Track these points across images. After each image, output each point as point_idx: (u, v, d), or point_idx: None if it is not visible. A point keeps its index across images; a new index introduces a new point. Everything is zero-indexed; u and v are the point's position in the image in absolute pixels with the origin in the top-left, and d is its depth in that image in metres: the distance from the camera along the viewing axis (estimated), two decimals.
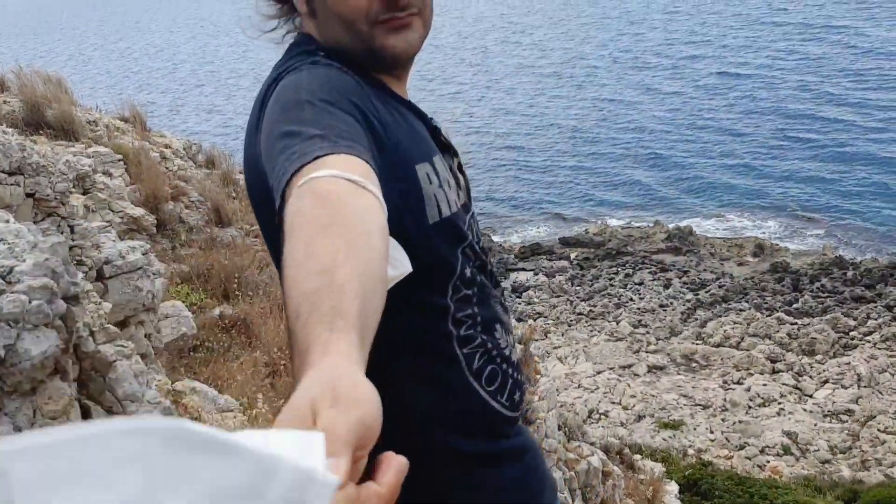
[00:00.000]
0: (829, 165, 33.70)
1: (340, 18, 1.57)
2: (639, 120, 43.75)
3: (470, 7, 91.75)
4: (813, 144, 36.02)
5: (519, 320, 26.65)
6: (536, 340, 24.25)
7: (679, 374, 21.59)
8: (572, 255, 30.61)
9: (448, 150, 1.76)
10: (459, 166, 1.80)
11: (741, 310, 24.46)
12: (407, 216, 1.49)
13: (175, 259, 7.28)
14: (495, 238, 33.32)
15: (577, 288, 28.07)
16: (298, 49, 1.65)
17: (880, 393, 19.00)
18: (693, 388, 20.38)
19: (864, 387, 19.10)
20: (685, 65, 52.61)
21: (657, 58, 55.19)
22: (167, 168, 9.91)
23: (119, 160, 8.21)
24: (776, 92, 43.50)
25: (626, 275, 28.23)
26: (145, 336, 4.34)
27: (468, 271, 1.63)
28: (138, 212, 7.34)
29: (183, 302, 5.66)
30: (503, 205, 36.55)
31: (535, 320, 26.24)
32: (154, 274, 4.57)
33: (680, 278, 27.29)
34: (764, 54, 51.76)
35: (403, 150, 1.53)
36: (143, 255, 4.48)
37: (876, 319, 22.84)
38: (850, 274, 25.42)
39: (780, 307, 24.41)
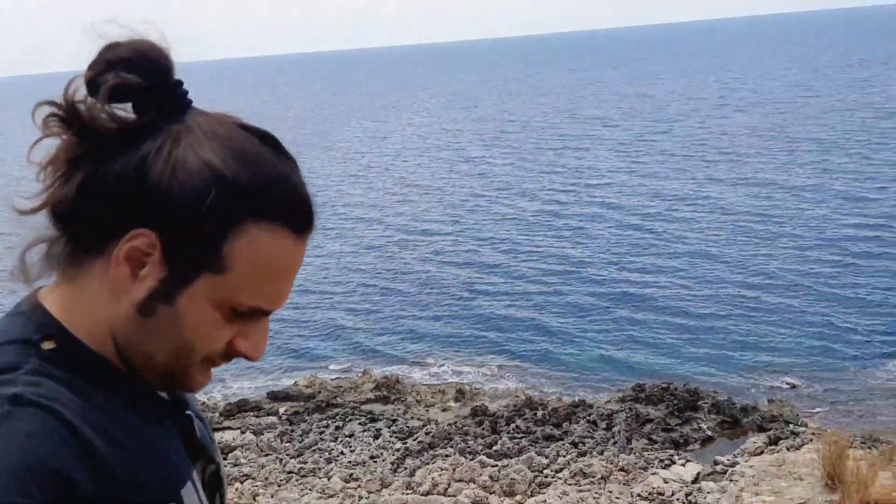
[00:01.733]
0: (521, 313, 36.96)
1: (182, 340, 1.40)
2: (346, 267, 45.09)
3: None
4: (503, 293, 39.43)
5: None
6: None
7: None
8: (281, 410, 29.82)
9: (201, 454, 1.61)
10: (215, 471, 1.61)
11: (447, 455, 25.20)
12: None
13: None
14: (198, 395, 31.39)
15: (287, 444, 27.19)
16: (15, 338, 1.34)
17: None
18: None
19: None
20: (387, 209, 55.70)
21: (368, 209, 57.92)
22: None
23: None
24: (463, 245, 47.44)
25: (337, 427, 28.00)
26: None
27: None
28: None
29: None
30: None
31: (242, 483, 24.81)
32: None
33: (389, 427, 27.63)
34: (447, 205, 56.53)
35: (137, 497, 1.32)
36: None
37: (564, 456, 24.70)
38: (539, 414, 27.48)
39: (481, 450, 25.52)
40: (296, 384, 31.92)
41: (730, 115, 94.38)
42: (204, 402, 31.11)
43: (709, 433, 26.49)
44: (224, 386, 32.85)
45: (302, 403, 30.15)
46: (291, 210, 1.45)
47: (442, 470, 24.40)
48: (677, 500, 22.53)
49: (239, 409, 30.13)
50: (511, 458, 24.99)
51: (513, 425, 27.10)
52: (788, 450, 23.94)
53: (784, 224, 45.24)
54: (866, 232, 42.19)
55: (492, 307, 37.81)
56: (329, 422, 28.56)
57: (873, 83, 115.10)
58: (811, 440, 22.13)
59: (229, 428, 28.76)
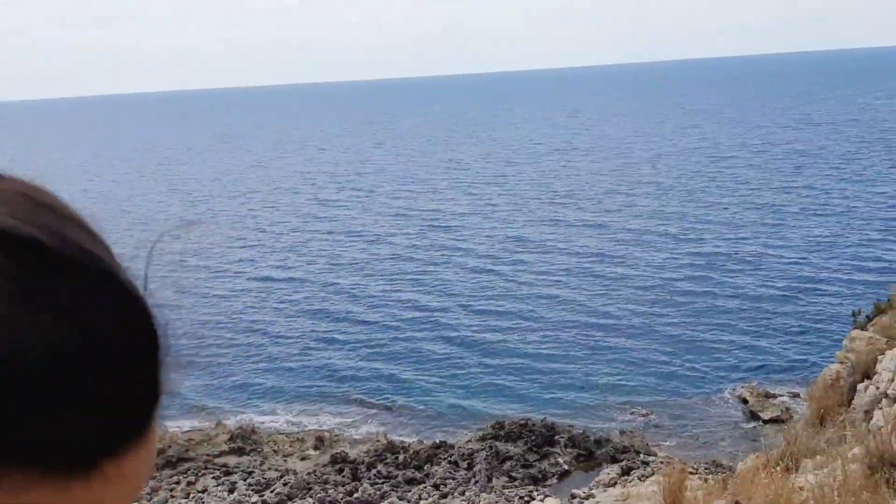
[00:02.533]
0: (379, 358, 36.74)
1: None
2: (193, 315, 43.35)
3: None
4: (359, 340, 39.14)
5: None
6: None
7: None
8: None
9: None
10: None
11: None
12: None
13: None
14: None
15: None
16: None
17: None
18: None
19: None
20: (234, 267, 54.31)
21: (208, 259, 56.18)
22: None
23: None
24: (315, 292, 46.91)
25: (189, 482, 26.61)
26: None
27: None
28: None
29: None
30: None
31: None
32: None
33: (245, 480, 26.56)
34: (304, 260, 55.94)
35: None
36: None
37: (426, 499, 24.58)
38: (401, 457, 27.26)
39: (342, 498, 24.97)
40: None
41: (574, 159, 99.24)
42: None
43: (566, 467, 27.18)
44: None
45: None
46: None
47: None
48: None
49: None
50: None
51: (374, 471, 26.73)
52: (639, 479, 24.98)
53: (626, 265, 47.74)
54: (700, 272, 45.23)
55: (349, 354, 37.41)
56: (180, 477, 27.08)
57: (703, 130, 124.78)
58: (660, 468, 23.15)
59: None
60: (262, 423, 31.09)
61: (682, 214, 60.65)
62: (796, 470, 8.67)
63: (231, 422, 31.12)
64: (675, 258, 48.61)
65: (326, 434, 29.78)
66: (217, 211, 76.37)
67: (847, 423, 9.77)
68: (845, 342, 11.11)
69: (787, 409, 29.32)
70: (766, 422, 28.50)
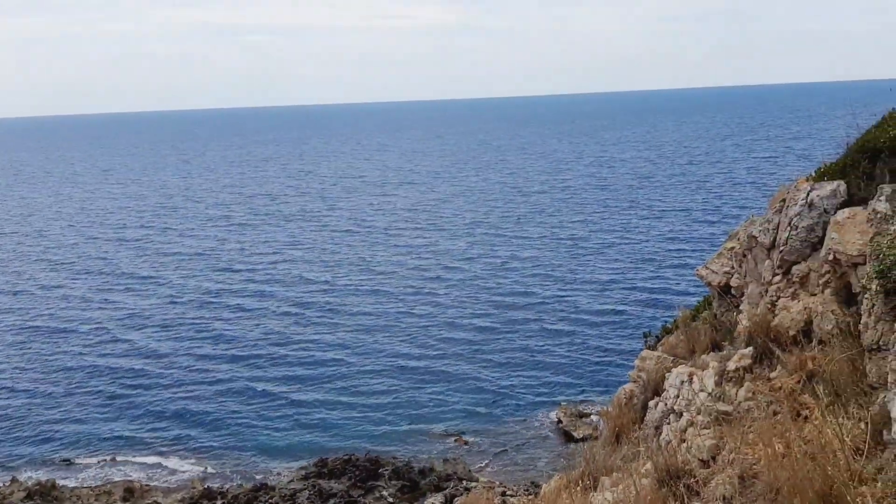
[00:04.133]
0: (190, 400, 35.04)
1: None
2: None
3: None
4: (160, 378, 37.23)
5: None
6: None
7: None
8: None
9: None
10: None
11: None
12: None
13: None
14: None
15: None
16: None
17: None
18: None
19: None
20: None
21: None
22: None
23: None
24: (107, 334, 44.27)
25: None
26: None
27: None
28: None
29: None
30: None
31: None
32: None
33: None
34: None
35: None
36: None
37: None
38: None
39: None
40: None
41: (388, 192, 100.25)
42: None
43: (391, 500, 27.03)
44: None
45: None
46: None
47: None
48: None
49: None
50: None
51: None
52: None
53: (437, 300, 48.70)
54: (513, 302, 47.01)
55: (156, 395, 35.40)
56: None
57: (510, 164, 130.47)
58: (480, 494, 23.58)
59: None
60: (64, 476, 28.66)
61: (495, 245, 62.76)
62: (594, 488, 9.10)
63: (27, 478, 28.44)
64: (491, 286, 50.30)
65: (136, 485, 27.87)
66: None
67: (640, 440, 10.41)
68: (637, 362, 11.87)
69: (597, 427, 30.90)
70: (577, 441, 29.86)
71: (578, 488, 9.23)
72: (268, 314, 46.44)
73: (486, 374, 36.60)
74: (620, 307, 45.08)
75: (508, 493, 24.45)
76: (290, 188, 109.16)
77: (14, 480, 28.35)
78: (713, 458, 9.00)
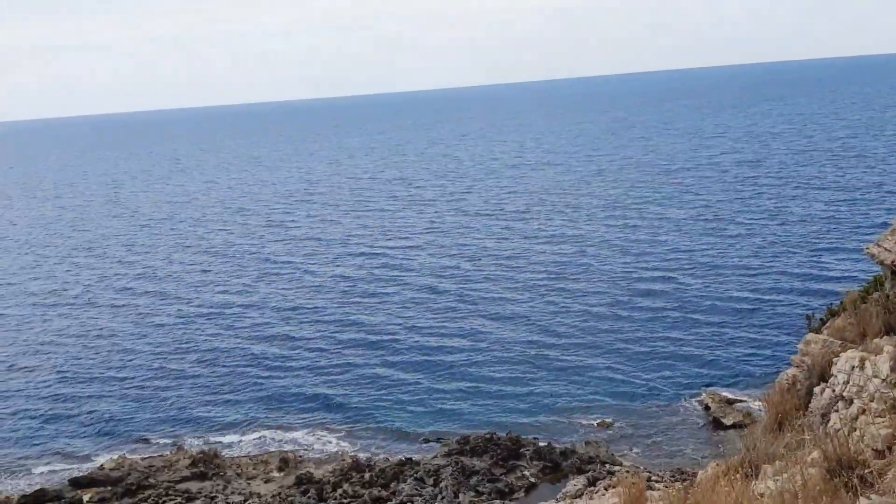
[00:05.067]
0: (342, 378, 36.41)
1: None
2: (142, 340, 42.75)
3: None
4: (318, 363, 38.79)
5: None
6: None
7: None
8: (86, 498, 27.30)
9: None
10: None
11: None
12: None
13: None
14: None
15: None
16: None
17: None
18: None
19: None
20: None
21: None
22: None
23: None
24: (264, 317, 46.39)
25: None
26: None
27: None
28: None
29: None
30: None
31: None
32: None
33: None
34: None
35: None
36: None
37: None
38: (367, 476, 26.96)
39: None
40: (101, 467, 29.41)
41: (527, 173, 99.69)
42: None
43: (532, 479, 27.10)
44: (17, 476, 29.75)
45: (109, 488, 27.76)
46: None
47: None
48: None
49: (36, 500, 27.25)
50: None
51: (339, 490, 26.37)
52: (606, 489, 24.98)
53: (581, 280, 47.97)
54: (657, 285, 45.59)
55: (310, 376, 36.97)
56: None
57: (651, 141, 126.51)
58: (625, 479, 23.18)
59: None
60: (225, 445, 30.58)
61: (635, 228, 61.19)
62: (756, 476, 8.70)
63: (192, 447, 30.56)
64: (631, 271, 49.07)
65: (290, 455, 29.35)
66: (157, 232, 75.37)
67: (805, 427, 9.84)
68: (800, 346, 11.20)
69: (749, 413, 29.64)
70: (727, 427, 28.77)
71: (738, 476, 8.86)
72: (405, 301, 47.21)
73: (627, 360, 35.80)
74: (769, 293, 42.88)
75: (654, 478, 23.89)
76: (428, 172, 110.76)
77: (180, 449, 30.52)
78: (888, 448, 8.42)
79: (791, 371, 11.58)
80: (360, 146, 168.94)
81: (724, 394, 31.65)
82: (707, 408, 30.57)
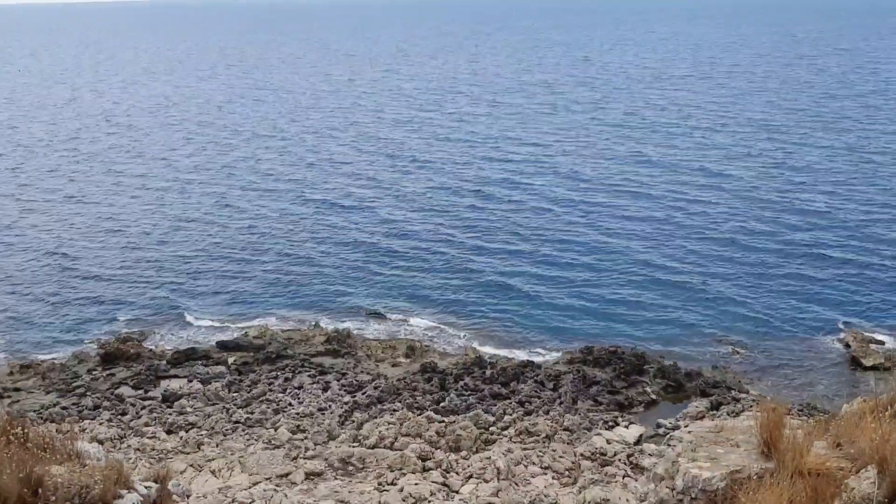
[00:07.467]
0: (474, 276, 37.00)
1: None
2: (296, 221, 44.63)
3: None
4: (458, 255, 39.42)
5: (169, 432, 24.82)
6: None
7: (336, 478, 21.49)
8: (230, 360, 29.57)
9: None
10: None
11: (395, 410, 25.31)
12: None
13: None
14: (146, 343, 31.13)
15: (235, 394, 27.02)
16: None
17: (516, 485, 20.62)
18: (349, 492, 20.37)
19: (503, 479, 20.61)
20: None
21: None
22: None
23: None
24: (407, 216, 47.07)
25: (286, 378, 27.89)
26: None
27: None
28: None
29: None
30: (151, 306, 34.45)
31: (187, 431, 24.62)
32: None
33: (338, 381, 27.61)
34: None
35: None
36: None
37: (511, 415, 24.99)
38: (488, 373, 27.70)
39: (429, 406, 25.69)
40: (246, 335, 31.63)
41: (675, 85, 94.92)
42: (151, 350, 30.74)
43: (653, 397, 27.03)
44: (171, 334, 32.46)
45: (252, 354, 29.91)
46: None
47: (389, 424, 24.50)
48: (619, 460, 23.10)
49: (187, 357, 29.78)
50: (458, 414, 25.18)
51: (461, 383, 27.28)
52: (729, 415, 24.63)
53: (717, 204, 45.81)
54: (809, 218, 42.93)
55: (445, 266, 37.79)
56: (278, 373, 28.41)
57: (816, 63, 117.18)
58: (751, 406, 22.75)
59: (176, 376, 28.45)
60: (357, 328, 32.08)
61: (787, 154, 57.60)
62: None
63: (328, 324, 32.25)
64: (781, 201, 46.51)
65: (417, 344, 30.49)
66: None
67: None
68: None
69: (891, 357, 28.18)
70: (866, 369, 27.51)
71: (888, 414, 8.51)
72: (539, 210, 46.92)
73: (768, 292, 34.29)
74: None
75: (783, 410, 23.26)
76: (570, 77, 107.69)
77: (317, 326, 32.28)
78: None
79: None
80: (502, 45, 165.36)
81: (868, 334, 30.13)
82: (847, 345, 29.23)
